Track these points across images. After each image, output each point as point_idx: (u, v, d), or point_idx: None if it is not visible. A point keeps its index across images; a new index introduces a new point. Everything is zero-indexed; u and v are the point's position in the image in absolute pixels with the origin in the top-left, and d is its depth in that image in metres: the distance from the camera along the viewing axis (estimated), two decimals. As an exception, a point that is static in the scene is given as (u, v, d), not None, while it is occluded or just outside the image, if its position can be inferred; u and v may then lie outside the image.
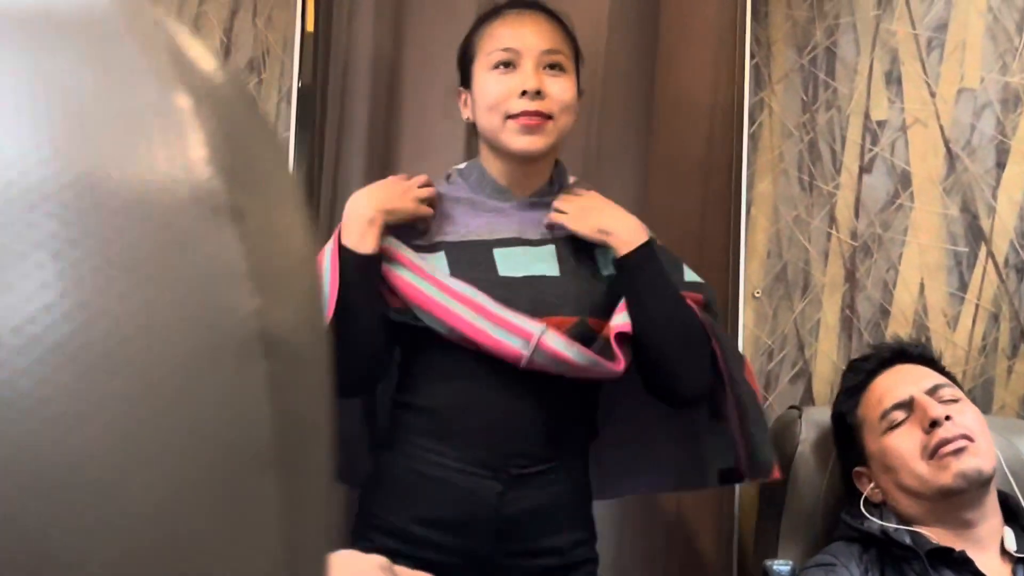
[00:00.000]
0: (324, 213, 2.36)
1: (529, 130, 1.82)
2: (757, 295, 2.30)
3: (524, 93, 1.81)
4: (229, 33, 2.24)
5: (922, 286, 2.31)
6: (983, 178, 2.32)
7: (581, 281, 1.86)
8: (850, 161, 2.33)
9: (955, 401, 1.95)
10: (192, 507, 0.30)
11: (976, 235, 2.31)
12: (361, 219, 1.81)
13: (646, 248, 1.85)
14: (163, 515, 0.29)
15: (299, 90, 2.27)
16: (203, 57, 0.35)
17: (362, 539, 1.87)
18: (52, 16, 0.33)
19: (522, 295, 1.82)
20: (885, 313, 2.31)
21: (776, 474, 1.94)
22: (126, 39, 0.33)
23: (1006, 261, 2.31)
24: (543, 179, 1.92)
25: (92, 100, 0.32)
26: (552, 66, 1.84)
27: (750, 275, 2.30)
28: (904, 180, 2.32)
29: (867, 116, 2.33)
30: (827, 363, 2.28)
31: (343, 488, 1.99)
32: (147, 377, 0.30)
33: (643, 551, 2.24)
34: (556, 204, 1.88)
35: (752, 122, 2.32)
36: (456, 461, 1.82)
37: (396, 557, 1.77)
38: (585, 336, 1.83)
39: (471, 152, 2.08)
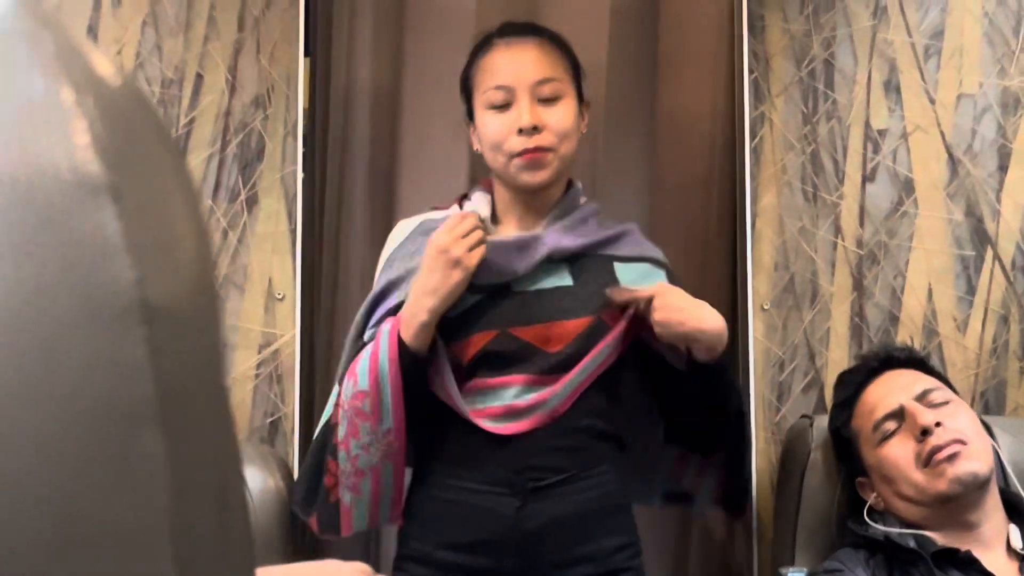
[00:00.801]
0: (329, 239, 2.39)
1: (532, 165, 1.86)
2: (766, 307, 2.31)
3: (521, 131, 1.83)
4: (234, 71, 2.27)
5: (930, 291, 2.31)
6: (986, 182, 2.32)
7: (595, 285, 1.89)
8: (853, 170, 2.33)
9: (946, 404, 1.94)
10: (74, 461, 0.32)
11: (982, 239, 2.32)
12: (415, 321, 1.81)
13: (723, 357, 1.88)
14: (44, 469, 0.31)
15: (306, 124, 2.30)
16: (89, 53, 0.38)
17: (398, 570, 1.91)
18: None
19: (537, 305, 1.85)
20: (894, 320, 2.31)
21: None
22: (14, 37, 0.36)
23: (1013, 263, 2.31)
24: (554, 199, 1.94)
25: None
26: (548, 95, 1.86)
27: (758, 287, 2.30)
28: (907, 187, 2.33)
29: (868, 125, 2.34)
30: (838, 371, 2.24)
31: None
32: (26, 342, 0.32)
33: (664, 561, 2.25)
34: (653, 296, 1.86)
35: (754, 136, 2.33)
36: (472, 482, 1.84)
37: None
38: (603, 332, 1.87)
39: (474, 177, 2.11)
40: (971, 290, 2.31)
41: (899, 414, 1.94)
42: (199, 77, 2.27)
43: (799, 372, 2.32)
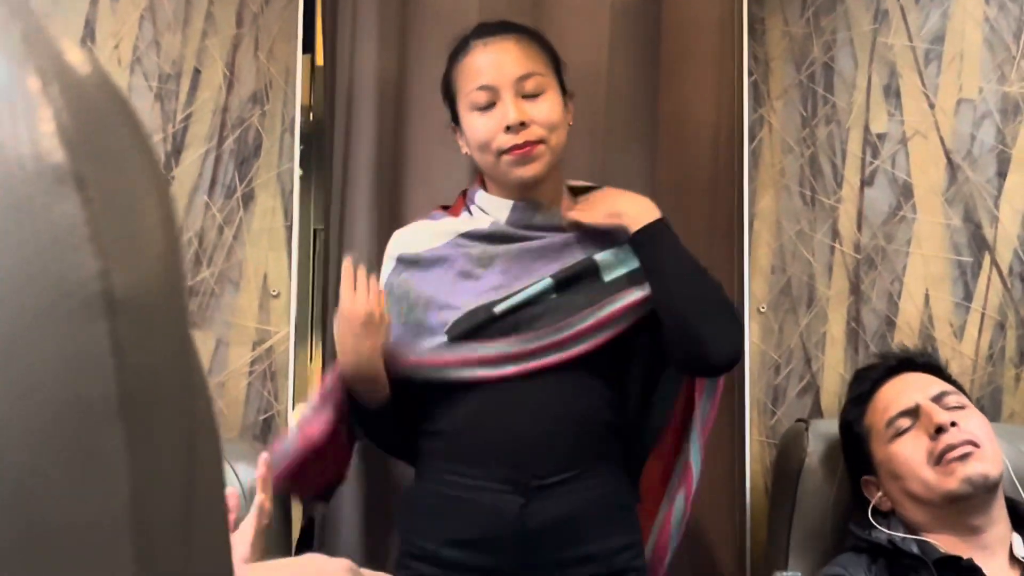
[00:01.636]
0: (333, 240, 2.37)
1: (523, 159, 1.85)
2: (762, 310, 2.32)
3: (508, 128, 1.83)
4: (232, 67, 2.26)
5: (927, 297, 2.32)
6: (985, 188, 2.33)
7: (581, 289, 1.90)
8: (851, 174, 2.34)
9: (961, 408, 1.95)
10: (33, 457, 0.31)
11: (980, 245, 2.32)
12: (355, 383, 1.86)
13: (659, 222, 1.89)
14: (3, 464, 0.31)
15: (304, 121, 2.30)
16: (57, 41, 0.37)
17: (401, 567, 1.90)
18: None
19: (520, 317, 1.86)
20: (891, 324, 2.32)
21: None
22: None
23: (1010, 269, 2.31)
24: (548, 196, 1.94)
25: None
26: (531, 90, 1.86)
27: (755, 290, 2.31)
28: (906, 192, 2.33)
29: (867, 129, 2.34)
30: (834, 376, 2.28)
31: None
32: None
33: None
34: (573, 207, 1.92)
35: (752, 138, 2.33)
36: (475, 479, 1.83)
37: None
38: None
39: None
40: (968, 296, 2.32)
41: (914, 412, 1.95)
42: (197, 72, 2.27)
43: (795, 376, 2.32)
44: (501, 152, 1.85)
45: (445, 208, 2.02)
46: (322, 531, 2.31)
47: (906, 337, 2.30)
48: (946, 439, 1.88)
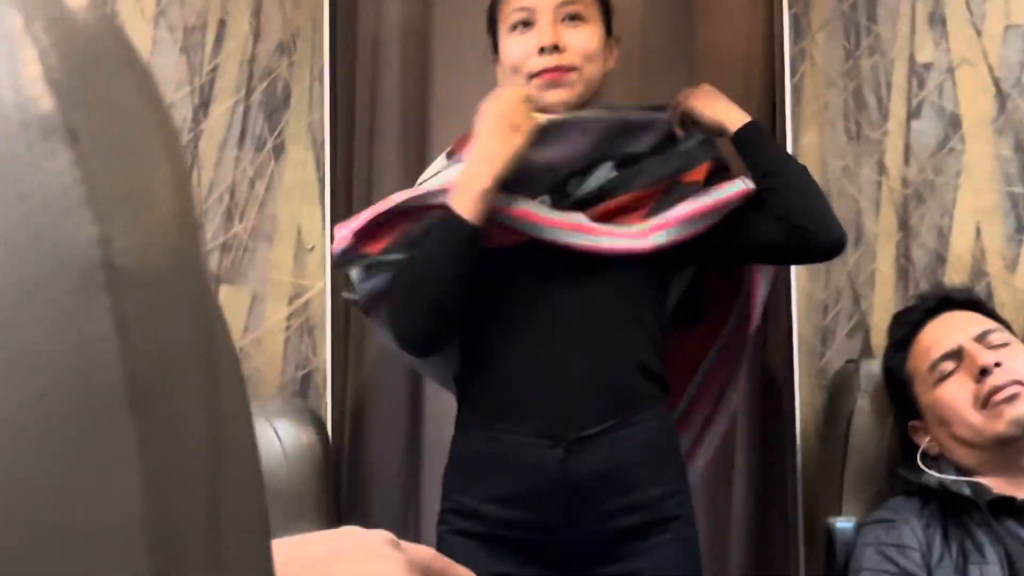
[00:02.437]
0: (360, 187, 2.39)
1: (552, 84, 1.86)
2: None
3: (542, 50, 1.84)
4: (258, 17, 2.27)
5: (978, 230, 2.30)
6: None
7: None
8: (897, 107, 2.31)
9: (1005, 345, 1.94)
10: (36, 450, 0.29)
11: None
12: (476, 189, 1.80)
13: (756, 123, 1.98)
14: (4, 459, 0.28)
15: (331, 69, 2.31)
16: None
17: (443, 523, 1.92)
18: None
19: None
20: (941, 260, 2.30)
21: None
22: None
23: (1064, 198, 2.30)
24: None
25: None
26: (571, 17, 1.86)
27: None
28: (954, 123, 2.31)
29: (912, 60, 2.32)
30: (884, 314, 2.26)
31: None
32: None
33: (708, 510, 2.26)
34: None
35: (794, 73, 2.32)
36: (515, 435, 1.84)
37: (473, 537, 1.83)
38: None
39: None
40: (1020, 228, 2.30)
41: (957, 354, 1.94)
42: (222, 23, 2.27)
43: (843, 316, 2.31)
44: (532, 75, 1.86)
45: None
46: (356, 494, 2.35)
47: (957, 272, 2.29)
48: (991, 381, 1.88)
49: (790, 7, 2.32)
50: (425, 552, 0.72)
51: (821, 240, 1.91)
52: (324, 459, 2.12)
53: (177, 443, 0.32)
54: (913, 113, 2.31)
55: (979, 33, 2.31)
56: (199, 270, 0.34)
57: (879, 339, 2.24)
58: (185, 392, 0.32)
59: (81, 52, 0.32)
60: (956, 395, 1.92)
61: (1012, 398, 1.86)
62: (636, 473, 1.86)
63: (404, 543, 0.70)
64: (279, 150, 2.27)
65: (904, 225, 2.30)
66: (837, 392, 2.21)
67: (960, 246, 2.30)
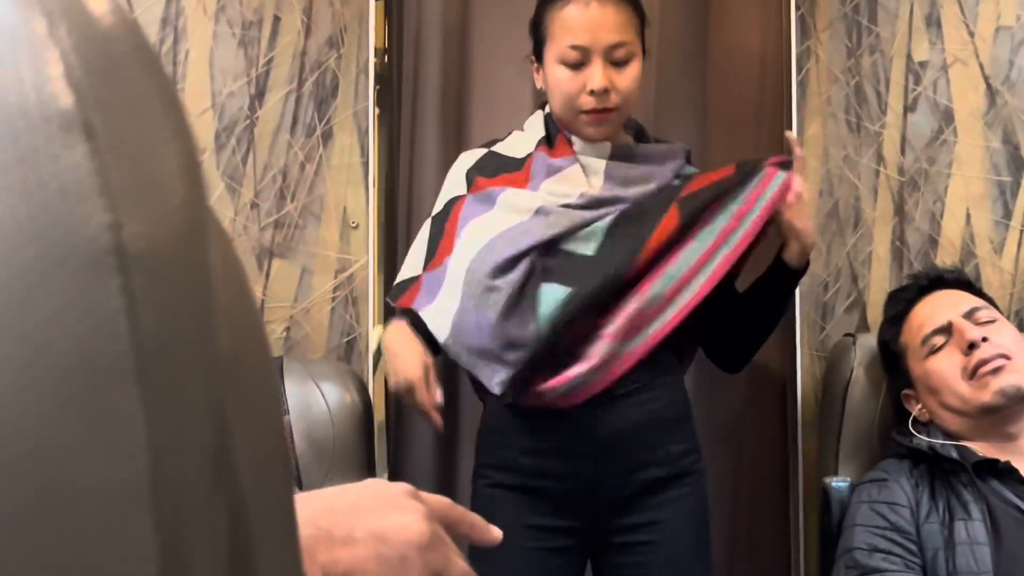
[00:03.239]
0: (403, 175, 2.46)
1: (599, 122, 1.94)
2: None
3: (592, 92, 1.90)
4: (309, 13, 2.34)
5: (968, 216, 2.35)
6: (1023, 111, 2.36)
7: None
8: (895, 101, 2.37)
9: (992, 322, 1.99)
10: (47, 419, 0.30)
11: (1018, 165, 2.36)
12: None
13: (807, 268, 2.02)
14: (16, 426, 0.30)
15: (377, 62, 2.36)
16: None
17: (479, 477, 2.00)
18: None
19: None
20: (933, 243, 2.35)
21: None
22: None
23: (1049, 187, 2.34)
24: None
25: None
26: (619, 60, 1.90)
27: None
28: (947, 116, 2.36)
29: (909, 58, 2.37)
30: (880, 292, 2.32)
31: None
32: None
33: (713, 470, 2.27)
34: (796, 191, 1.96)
35: (800, 69, 2.37)
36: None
37: (507, 489, 1.94)
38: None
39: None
40: (1007, 214, 2.35)
41: (947, 329, 2.00)
42: (276, 19, 2.34)
43: (842, 293, 2.37)
44: (581, 111, 1.93)
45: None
46: (395, 451, 2.40)
47: (948, 255, 2.34)
48: (978, 354, 1.93)
49: (797, 8, 2.37)
50: (442, 501, 0.76)
51: (728, 371, 2.14)
52: (365, 418, 2.18)
53: (179, 409, 0.32)
54: (910, 107, 2.37)
55: (972, 34, 2.37)
56: (204, 254, 0.35)
57: (875, 315, 2.31)
58: (187, 364, 0.33)
59: (100, 54, 0.33)
60: (945, 367, 1.97)
61: (997, 370, 1.92)
62: (659, 431, 1.93)
63: (423, 493, 0.74)
64: (327, 136, 2.33)
65: (900, 210, 2.36)
66: (835, 363, 2.27)
67: (951, 230, 2.36)
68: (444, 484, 2.41)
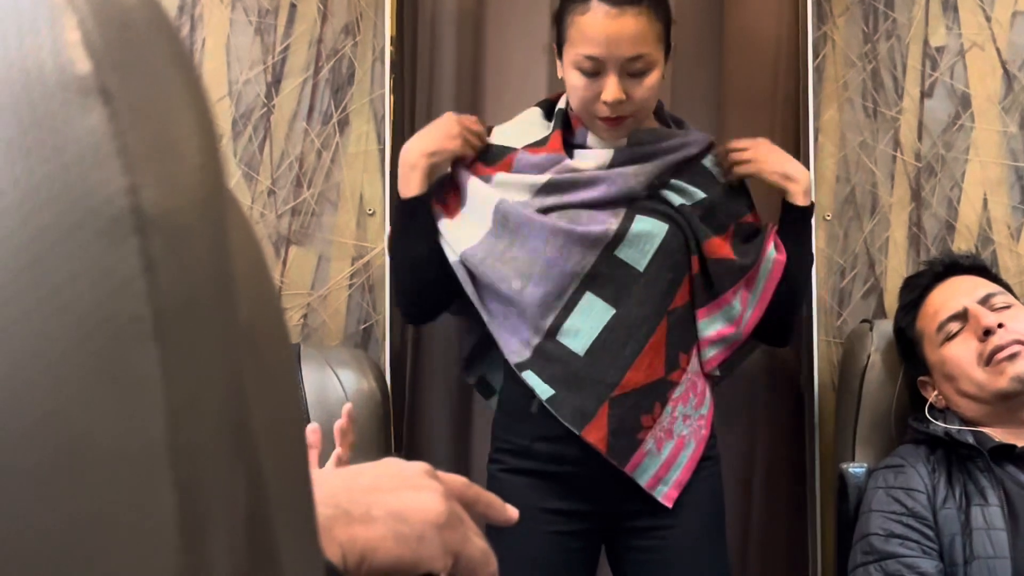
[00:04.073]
0: None
1: (612, 128, 1.95)
2: (828, 217, 2.37)
3: (606, 102, 1.89)
4: (325, 1, 2.35)
5: (985, 201, 2.36)
6: None
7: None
8: (911, 86, 2.38)
9: (1007, 308, 2.00)
10: (65, 379, 0.30)
11: None
12: (405, 166, 2.00)
13: (812, 206, 2.04)
14: (37, 387, 0.30)
15: (392, 50, 2.37)
16: None
17: (494, 463, 2.03)
18: None
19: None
20: (951, 229, 2.36)
21: None
22: None
23: (1066, 173, 2.35)
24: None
25: None
26: (635, 71, 1.88)
27: (820, 199, 2.36)
28: (964, 102, 2.37)
29: (926, 43, 2.37)
30: (897, 278, 2.32)
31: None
32: (9, 253, 0.30)
33: (728, 457, 2.30)
34: (735, 147, 2.03)
35: (816, 55, 2.38)
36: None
37: (522, 474, 1.97)
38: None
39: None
40: None
41: (963, 316, 2.01)
42: (293, 7, 2.34)
43: (859, 279, 2.38)
44: (595, 116, 1.93)
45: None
46: (412, 437, 2.42)
47: (965, 240, 2.35)
48: (994, 340, 1.94)
49: (813, -6, 2.37)
50: (459, 481, 0.76)
51: (772, 342, 2.16)
52: (382, 404, 2.19)
53: (197, 371, 0.33)
54: (926, 92, 2.37)
55: (988, 19, 2.37)
56: (221, 218, 0.35)
57: (892, 301, 2.31)
58: (205, 326, 0.33)
59: (117, 20, 0.33)
60: (962, 353, 1.98)
61: (1013, 356, 1.93)
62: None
63: (440, 473, 0.74)
64: (343, 124, 2.34)
65: (916, 196, 2.37)
66: (852, 349, 2.27)
67: (968, 216, 2.36)
68: (459, 470, 2.32)
